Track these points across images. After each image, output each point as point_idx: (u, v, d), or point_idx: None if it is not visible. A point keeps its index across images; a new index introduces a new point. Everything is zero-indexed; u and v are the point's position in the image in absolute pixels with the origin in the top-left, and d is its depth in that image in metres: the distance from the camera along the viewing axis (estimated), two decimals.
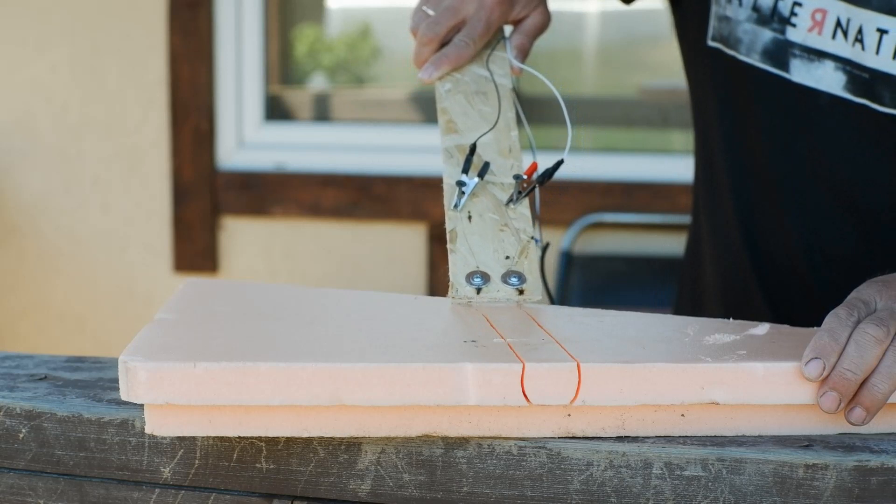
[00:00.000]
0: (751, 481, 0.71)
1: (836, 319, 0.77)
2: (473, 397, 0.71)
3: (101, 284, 2.94)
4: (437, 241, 2.71)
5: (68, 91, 2.88)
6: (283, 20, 3.06)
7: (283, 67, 3.10)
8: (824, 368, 0.74)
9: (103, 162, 2.90)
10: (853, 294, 0.82)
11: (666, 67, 3.02)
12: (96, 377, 0.85)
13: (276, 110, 2.98)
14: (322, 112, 3.12)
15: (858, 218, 1.08)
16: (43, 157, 2.91)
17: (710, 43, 1.17)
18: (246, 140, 2.89)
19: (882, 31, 1.02)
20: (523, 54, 1.18)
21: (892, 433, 0.76)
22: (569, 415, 0.73)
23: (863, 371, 0.75)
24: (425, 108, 2.97)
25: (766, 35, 1.10)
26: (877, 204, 1.07)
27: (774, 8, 1.09)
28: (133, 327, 2.90)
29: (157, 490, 0.77)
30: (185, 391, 0.68)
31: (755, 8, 1.11)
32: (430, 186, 2.74)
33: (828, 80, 1.06)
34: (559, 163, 1.03)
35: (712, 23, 1.17)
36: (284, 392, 0.69)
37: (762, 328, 0.83)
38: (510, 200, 1.00)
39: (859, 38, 1.04)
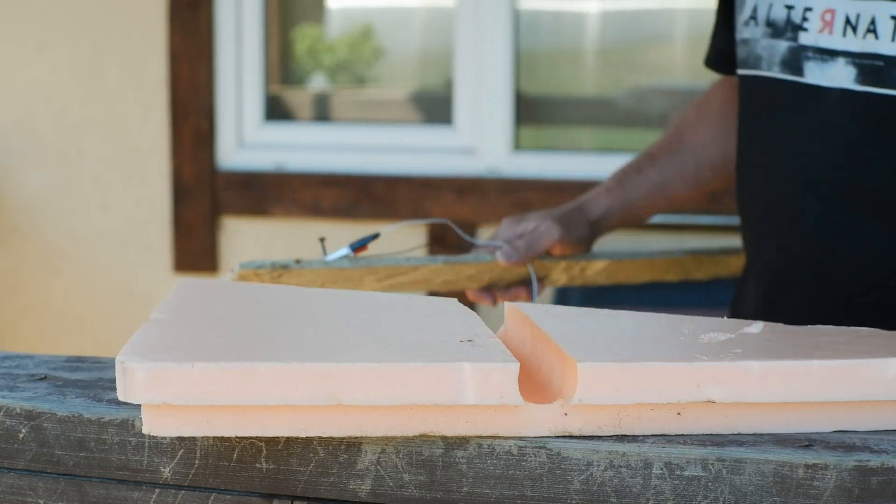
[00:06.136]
0: (751, 481, 0.71)
1: None
2: (471, 397, 0.71)
3: (101, 284, 2.94)
4: (437, 242, 2.71)
5: (68, 91, 2.88)
6: (283, 20, 3.06)
7: (283, 67, 3.10)
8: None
9: (103, 162, 2.90)
10: None
11: (665, 68, 3.01)
12: (96, 377, 0.85)
13: (277, 110, 2.98)
14: (322, 112, 3.12)
15: (878, 211, 1.11)
16: (43, 157, 2.91)
17: (739, 72, 1.23)
18: (246, 140, 2.89)
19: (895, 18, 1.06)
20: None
21: (893, 432, 0.76)
22: (566, 414, 0.73)
23: None
24: (425, 108, 2.98)
25: (782, 45, 1.14)
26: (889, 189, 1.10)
27: (787, 18, 1.14)
28: (133, 327, 2.89)
29: (157, 490, 0.77)
30: (182, 391, 0.68)
31: (769, 23, 1.16)
32: (430, 186, 2.74)
33: (839, 76, 1.10)
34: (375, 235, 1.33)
35: (738, 54, 1.23)
36: (282, 392, 0.69)
37: (756, 326, 0.84)
38: None
39: (872, 29, 1.07)
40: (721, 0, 1.33)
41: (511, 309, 0.91)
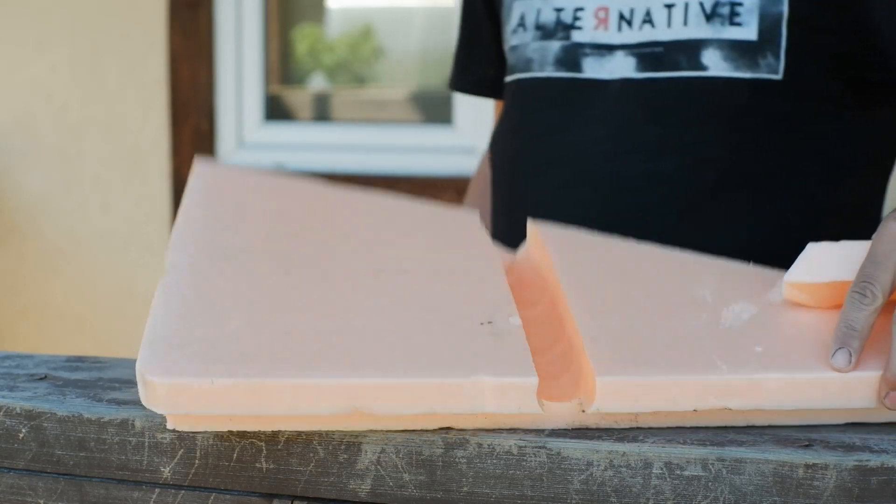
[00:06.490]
0: (751, 481, 0.71)
1: (850, 304, 0.78)
2: (490, 406, 0.72)
3: (101, 284, 2.94)
4: None
5: (68, 91, 2.88)
6: (283, 20, 3.06)
7: (283, 67, 3.10)
8: (851, 356, 0.75)
9: (103, 162, 2.90)
10: (869, 252, 0.80)
11: None
12: (96, 377, 0.85)
13: (276, 110, 2.98)
14: (322, 112, 3.12)
15: (676, 195, 1.11)
16: (43, 157, 2.91)
17: (508, 78, 1.25)
18: (246, 140, 2.89)
19: (669, 6, 1.10)
20: None
21: (893, 432, 0.76)
22: (583, 411, 0.75)
23: None
24: (425, 108, 2.98)
25: (555, 45, 1.17)
26: (683, 168, 1.10)
27: (558, 20, 1.16)
28: (133, 327, 2.90)
29: (157, 490, 0.77)
30: (203, 403, 0.70)
31: (539, 27, 1.18)
32: (430, 186, 2.74)
33: (619, 68, 1.12)
34: None
35: (508, 61, 1.25)
36: (302, 404, 0.71)
37: (777, 293, 0.84)
38: None
39: (648, 20, 1.11)
40: (479, 20, 1.34)
41: (534, 232, 0.93)
